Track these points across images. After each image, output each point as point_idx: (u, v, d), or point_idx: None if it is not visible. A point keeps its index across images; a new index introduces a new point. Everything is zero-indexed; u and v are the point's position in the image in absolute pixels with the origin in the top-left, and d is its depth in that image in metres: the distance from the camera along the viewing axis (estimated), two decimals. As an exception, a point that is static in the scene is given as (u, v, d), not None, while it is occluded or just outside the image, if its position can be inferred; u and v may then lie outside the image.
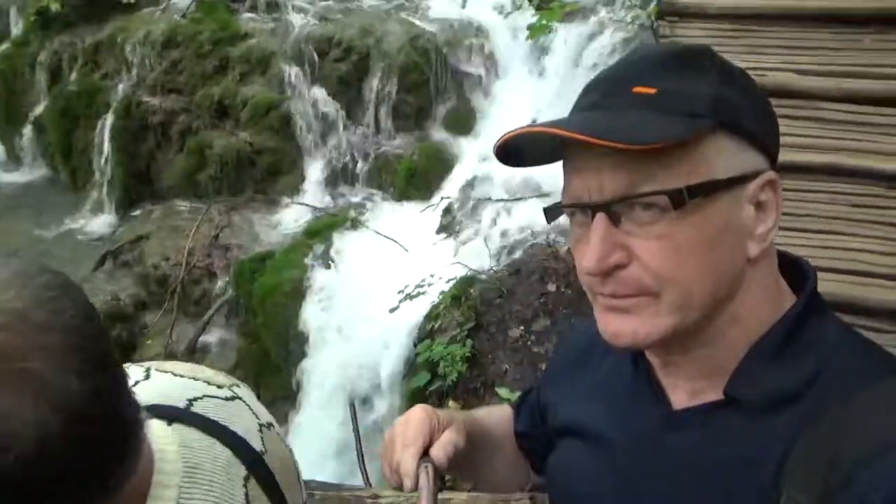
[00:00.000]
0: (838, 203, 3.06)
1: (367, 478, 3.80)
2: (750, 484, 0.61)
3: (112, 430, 0.54)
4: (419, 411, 0.81)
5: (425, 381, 3.58)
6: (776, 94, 3.81)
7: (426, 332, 3.83)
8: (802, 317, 0.66)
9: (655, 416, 0.70)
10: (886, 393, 0.58)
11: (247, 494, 0.72)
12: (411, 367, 3.92)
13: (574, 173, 0.66)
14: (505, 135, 0.66)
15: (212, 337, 5.15)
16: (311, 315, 4.56)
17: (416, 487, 0.72)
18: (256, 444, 0.77)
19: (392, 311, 3.96)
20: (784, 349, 0.64)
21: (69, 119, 6.32)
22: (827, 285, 2.71)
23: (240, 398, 0.82)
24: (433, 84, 5.64)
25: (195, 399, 0.77)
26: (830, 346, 0.65)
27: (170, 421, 0.72)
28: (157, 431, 0.69)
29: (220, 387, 0.82)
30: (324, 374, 4.41)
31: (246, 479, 0.73)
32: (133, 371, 0.78)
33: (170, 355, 5.00)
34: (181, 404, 0.75)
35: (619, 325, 0.65)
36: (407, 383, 3.93)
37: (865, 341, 0.68)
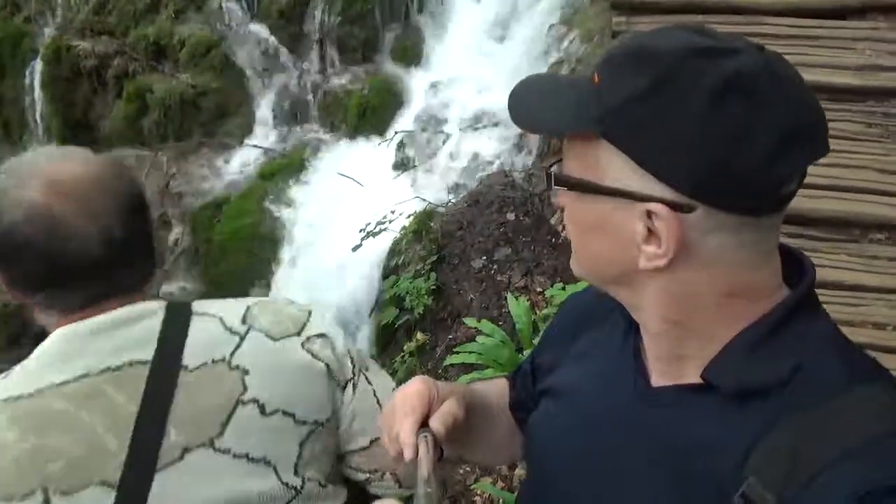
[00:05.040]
0: (781, 118, 3.14)
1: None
2: (712, 468, 0.62)
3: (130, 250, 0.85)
4: (419, 383, 0.79)
5: (393, 316, 3.65)
6: (721, 11, 3.83)
7: (390, 268, 3.88)
8: (792, 312, 0.65)
9: (634, 389, 0.72)
10: (861, 400, 0.60)
11: None
12: (378, 303, 3.98)
13: None
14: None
15: (173, 287, 5.11)
16: (274, 259, 4.55)
17: (415, 457, 0.72)
18: None
19: (355, 249, 3.98)
20: (767, 342, 0.64)
21: (-7, 67, 5.98)
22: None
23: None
24: (378, 13, 5.47)
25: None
26: (814, 345, 0.64)
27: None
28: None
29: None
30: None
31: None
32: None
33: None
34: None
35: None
36: (375, 319, 4.00)
37: (849, 345, 0.67)
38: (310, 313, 0.94)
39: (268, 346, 0.87)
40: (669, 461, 0.66)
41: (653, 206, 0.61)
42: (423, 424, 0.76)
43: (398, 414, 0.77)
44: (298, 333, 0.90)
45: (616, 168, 0.63)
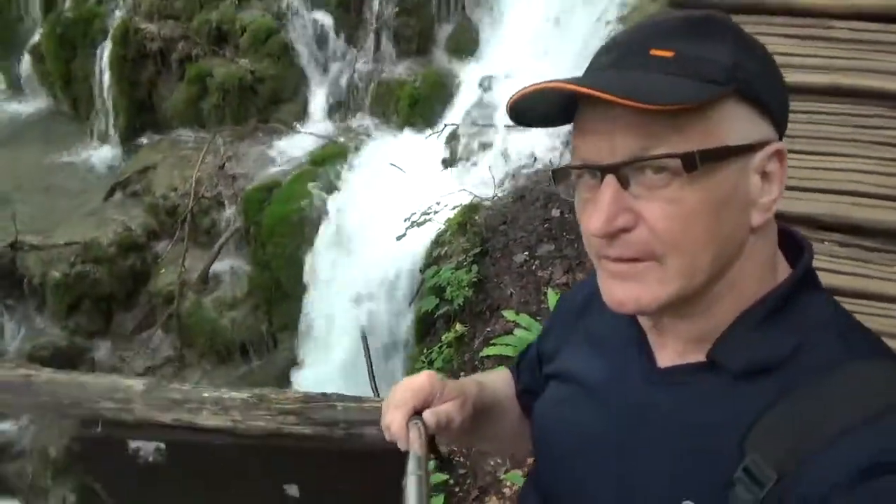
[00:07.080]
0: (841, 124, 3.03)
1: (378, 395, 3.99)
2: (718, 443, 0.63)
3: None
4: (422, 377, 0.80)
5: (433, 305, 3.68)
6: (786, 12, 3.73)
7: (433, 259, 3.92)
8: (793, 290, 0.67)
9: (641, 371, 0.72)
10: (861, 375, 0.61)
11: None
12: (419, 292, 4.03)
13: (585, 134, 0.65)
14: (517, 92, 0.64)
15: (223, 266, 5.27)
16: (320, 244, 4.64)
17: (407, 447, 0.73)
18: None
19: (399, 238, 4.03)
20: (770, 320, 0.65)
21: (67, 47, 6.23)
22: (826, 206, 2.75)
23: None
24: (435, 5, 5.50)
25: None
26: (816, 322, 0.65)
27: None
28: None
29: None
30: (334, 300, 4.54)
31: None
32: None
33: (182, 284, 5.13)
34: None
35: (623, 292, 0.66)
36: (415, 308, 4.05)
37: (851, 321, 0.68)
38: None
39: None
40: (678, 438, 0.67)
41: (774, 146, 0.64)
42: (418, 415, 0.77)
43: (391, 405, 0.79)
44: None
45: (738, 124, 0.63)
